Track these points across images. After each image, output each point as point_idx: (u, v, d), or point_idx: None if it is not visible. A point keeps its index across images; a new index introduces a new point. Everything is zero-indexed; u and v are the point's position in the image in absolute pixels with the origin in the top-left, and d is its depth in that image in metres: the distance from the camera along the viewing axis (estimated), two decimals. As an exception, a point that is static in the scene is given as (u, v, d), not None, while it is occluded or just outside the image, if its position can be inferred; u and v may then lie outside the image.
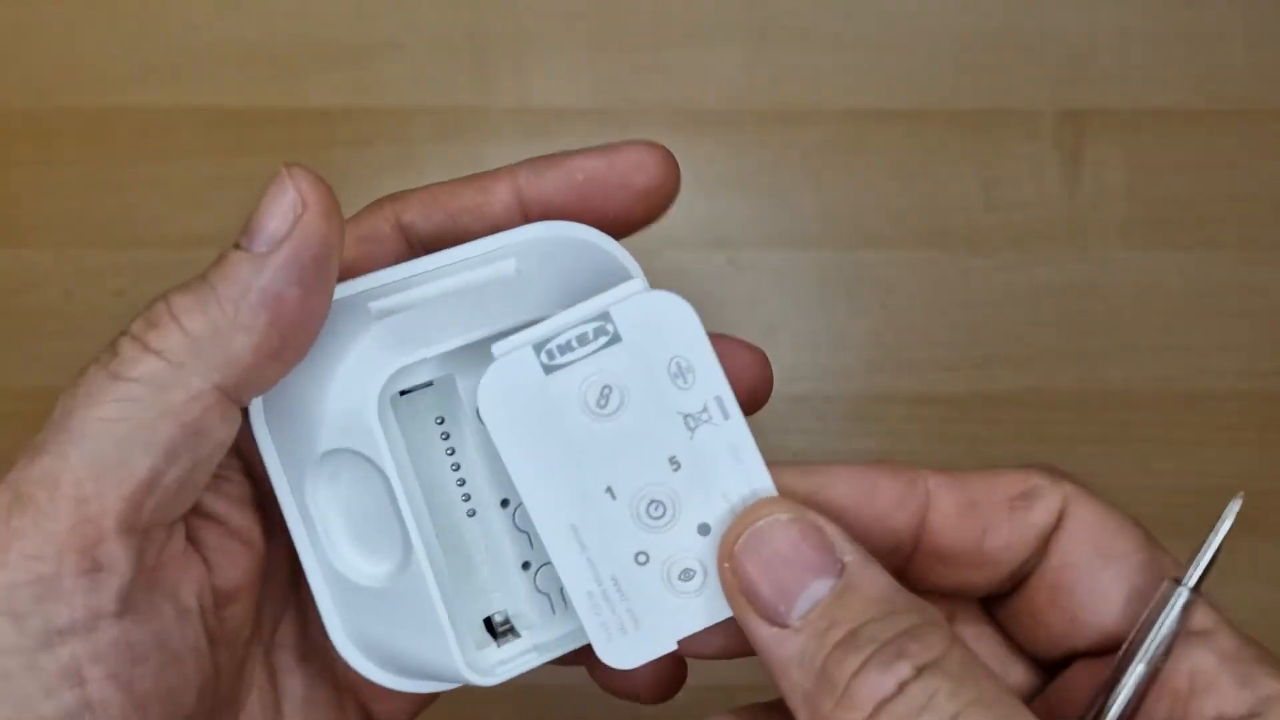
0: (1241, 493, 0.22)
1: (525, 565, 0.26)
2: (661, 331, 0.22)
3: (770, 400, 0.27)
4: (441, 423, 0.26)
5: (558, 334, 0.21)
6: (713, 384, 0.22)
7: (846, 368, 0.45)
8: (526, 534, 0.26)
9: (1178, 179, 0.46)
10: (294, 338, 0.21)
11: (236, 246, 0.21)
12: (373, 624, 0.24)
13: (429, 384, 0.25)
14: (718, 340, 0.23)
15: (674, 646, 0.23)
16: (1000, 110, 0.46)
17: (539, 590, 0.25)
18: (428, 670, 0.24)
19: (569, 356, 0.21)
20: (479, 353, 0.23)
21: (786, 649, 0.20)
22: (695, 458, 0.22)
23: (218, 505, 0.24)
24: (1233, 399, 0.45)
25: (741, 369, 0.25)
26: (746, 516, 0.21)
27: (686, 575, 0.22)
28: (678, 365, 0.22)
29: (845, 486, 0.23)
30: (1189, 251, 0.46)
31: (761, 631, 0.21)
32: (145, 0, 0.46)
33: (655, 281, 0.23)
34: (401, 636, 0.23)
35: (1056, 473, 0.24)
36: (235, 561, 0.23)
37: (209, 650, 0.22)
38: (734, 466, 0.22)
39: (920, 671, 0.19)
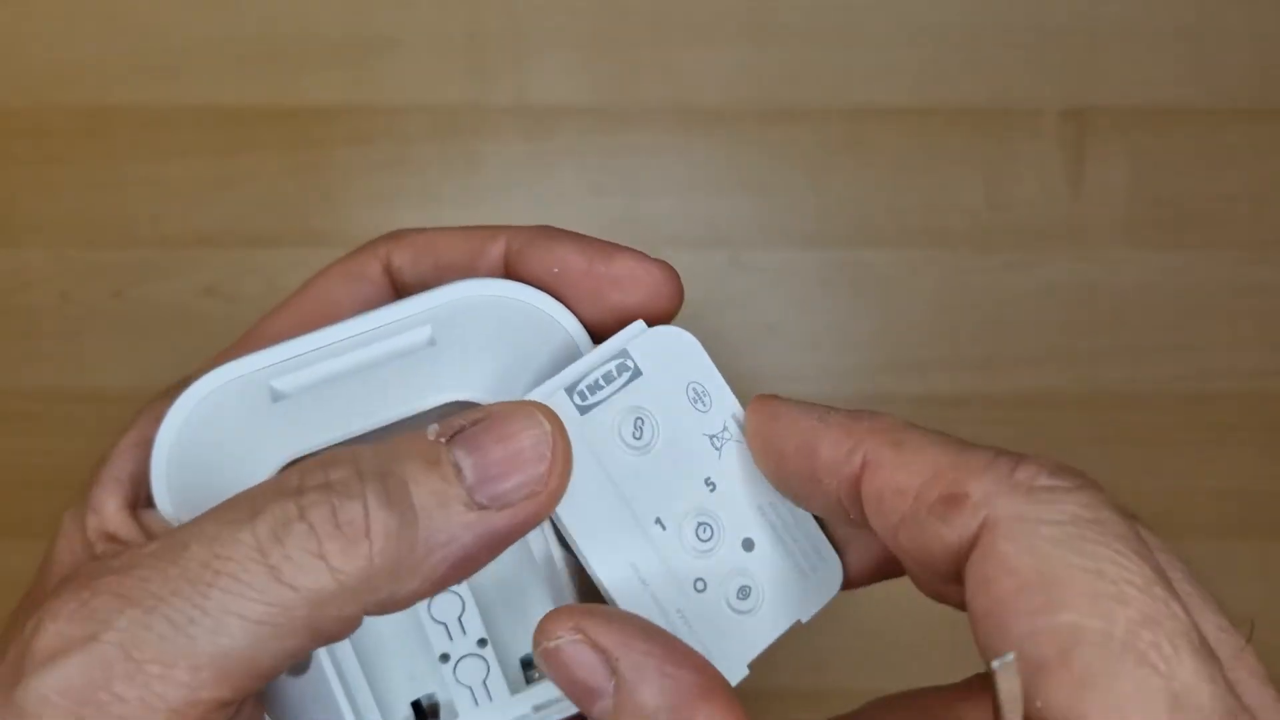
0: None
1: (444, 657, 0.24)
2: (674, 362, 0.23)
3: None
4: None
5: (586, 375, 0.22)
6: (727, 404, 0.23)
7: (848, 367, 0.45)
8: (444, 625, 0.24)
9: (1181, 178, 0.46)
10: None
11: (443, 440, 0.20)
12: (299, 709, 0.23)
13: None
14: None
15: (746, 672, 0.23)
16: (1003, 109, 0.46)
17: (460, 683, 0.24)
18: None
19: (600, 395, 0.22)
20: (407, 429, 0.21)
21: None
22: (726, 475, 0.23)
23: None
24: (1234, 399, 0.45)
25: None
26: (536, 633, 0.20)
27: (743, 593, 0.23)
28: (694, 391, 0.23)
29: (794, 440, 0.22)
30: (1192, 251, 0.45)
31: None
32: (143, -2, 0.46)
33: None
34: None
35: (1010, 478, 0.19)
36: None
37: None
38: (761, 478, 0.23)
39: None
